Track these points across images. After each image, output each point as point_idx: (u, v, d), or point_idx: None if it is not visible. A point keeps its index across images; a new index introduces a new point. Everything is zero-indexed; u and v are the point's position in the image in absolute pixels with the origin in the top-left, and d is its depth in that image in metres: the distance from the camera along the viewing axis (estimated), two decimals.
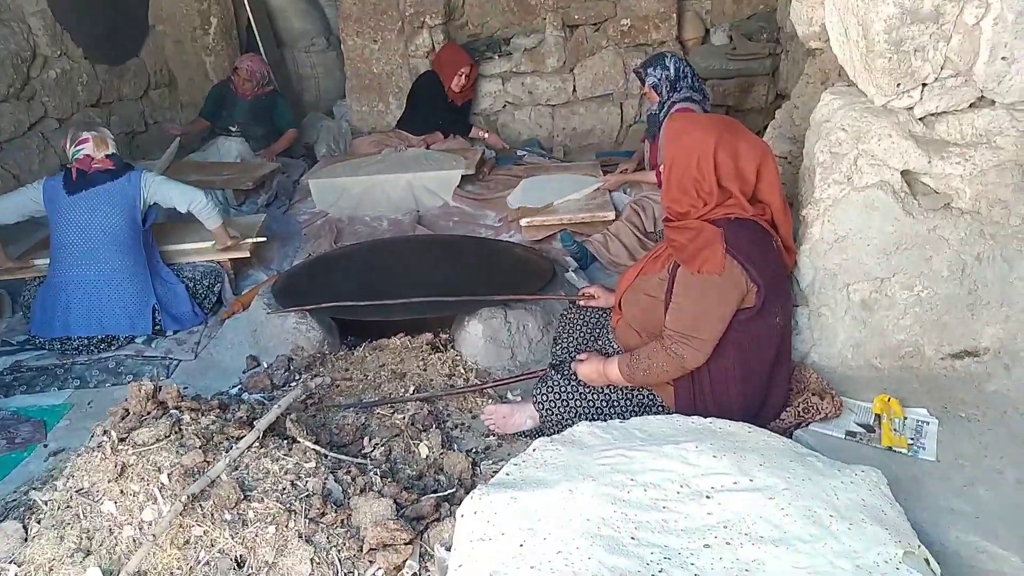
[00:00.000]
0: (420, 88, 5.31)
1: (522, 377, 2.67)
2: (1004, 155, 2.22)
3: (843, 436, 2.18)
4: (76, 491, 1.85)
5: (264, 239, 3.80)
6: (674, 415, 2.17)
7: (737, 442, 2.01)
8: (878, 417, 2.21)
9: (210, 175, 4.70)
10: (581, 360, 2.34)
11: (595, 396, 2.31)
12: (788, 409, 2.26)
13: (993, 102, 2.22)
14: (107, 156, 3.18)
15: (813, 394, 2.26)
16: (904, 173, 2.31)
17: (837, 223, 2.34)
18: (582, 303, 2.68)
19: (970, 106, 2.25)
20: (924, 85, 2.22)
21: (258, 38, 6.10)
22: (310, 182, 4.71)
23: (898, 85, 2.21)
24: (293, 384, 2.64)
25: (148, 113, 5.71)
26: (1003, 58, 2.11)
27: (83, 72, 4.90)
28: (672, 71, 3.87)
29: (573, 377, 2.34)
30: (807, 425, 2.23)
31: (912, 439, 2.16)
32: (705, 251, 2.09)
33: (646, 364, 2.17)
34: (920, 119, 2.29)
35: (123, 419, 2.00)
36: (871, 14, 2.15)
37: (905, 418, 2.22)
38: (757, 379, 2.22)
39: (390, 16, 5.61)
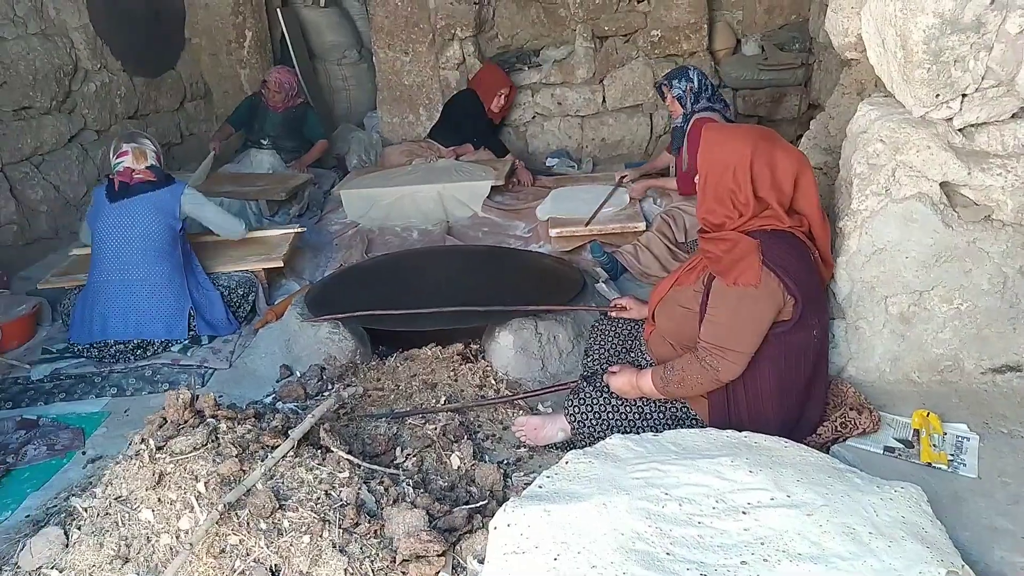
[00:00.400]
0: (459, 105, 5.34)
1: (553, 388, 2.66)
2: None
3: (881, 451, 2.15)
4: (115, 499, 1.88)
5: (303, 229, 3.94)
6: (708, 429, 2.15)
7: (773, 457, 1.98)
8: (917, 432, 2.17)
9: (243, 186, 4.77)
10: (614, 372, 2.32)
11: (628, 408, 2.29)
12: (825, 424, 2.23)
13: None
14: (147, 168, 3.26)
15: (851, 409, 2.22)
16: (943, 185, 2.27)
17: (875, 235, 2.31)
18: (613, 314, 2.67)
19: (1012, 116, 2.21)
20: (964, 96, 2.19)
21: (291, 51, 6.19)
22: (341, 193, 4.76)
23: (937, 96, 2.18)
24: (326, 393, 2.66)
25: (184, 125, 5.82)
26: None
27: (122, 85, 5.01)
28: (696, 83, 3.92)
29: (605, 389, 2.33)
30: (844, 440, 2.20)
31: (952, 455, 2.11)
32: (741, 263, 2.07)
33: (680, 376, 2.15)
34: (959, 130, 2.25)
35: (160, 427, 2.03)
36: (909, 24, 2.13)
37: (944, 433, 2.18)
38: (793, 393, 2.19)
39: (421, 29, 5.66)
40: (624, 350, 2.60)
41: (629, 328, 2.66)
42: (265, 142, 5.35)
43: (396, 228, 4.55)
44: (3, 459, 2.44)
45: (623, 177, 4.45)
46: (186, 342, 3.20)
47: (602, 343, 2.66)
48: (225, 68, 6.04)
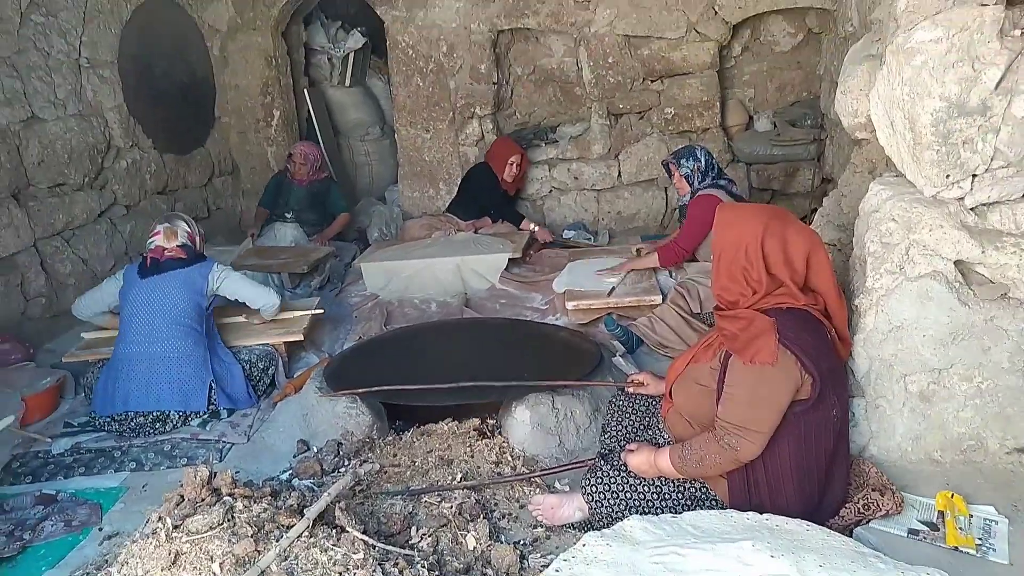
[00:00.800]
0: (475, 178, 5.47)
1: (570, 466, 2.64)
2: None
3: (905, 534, 2.10)
4: None
5: (322, 311, 3.97)
6: (728, 511, 2.12)
7: (795, 540, 1.95)
8: (941, 514, 2.13)
9: (266, 259, 4.87)
10: (631, 451, 2.31)
11: (646, 488, 2.26)
12: (848, 505, 2.19)
13: None
14: (179, 246, 3.38)
15: (873, 490, 2.19)
16: (958, 263, 2.28)
17: (891, 313, 2.32)
18: (631, 390, 2.67)
19: (1023, 196, 2.24)
20: (974, 176, 2.22)
21: (317, 128, 6.40)
22: (362, 266, 4.83)
23: (947, 176, 2.22)
24: (342, 470, 2.65)
25: (211, 200, 5.98)
26: None
27: (152, 161, 5.19)
28: (703, 162, 4.02)
29: (623, 468, 2.31)
30: (868, 522, 2.16)
31: (980, 539, 2.06)
32: (757, 341, 2.07)
33: (699, 455, 2.13)
34: (971, 209, 2.28)
35: (178, 505, 2.03)
36: (917, 108, 2.19)
37: (971, 516, 2.13)
38: (814, 473, 2.16)
39: (442, 108, 5.85)
40: (642, 427, 2.59)
41: (647, 405, 2.65)
42: (289, 216, 5.48)
43: (415, 300, 4.59)
44: (20, 536, 2.44)
45: (639, 249, 4.50)
46: (205, 416, 3.22)
47: (620, 420, 2.65)
48: (253, 145, 6.25)
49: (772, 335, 2.06)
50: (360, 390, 2.99)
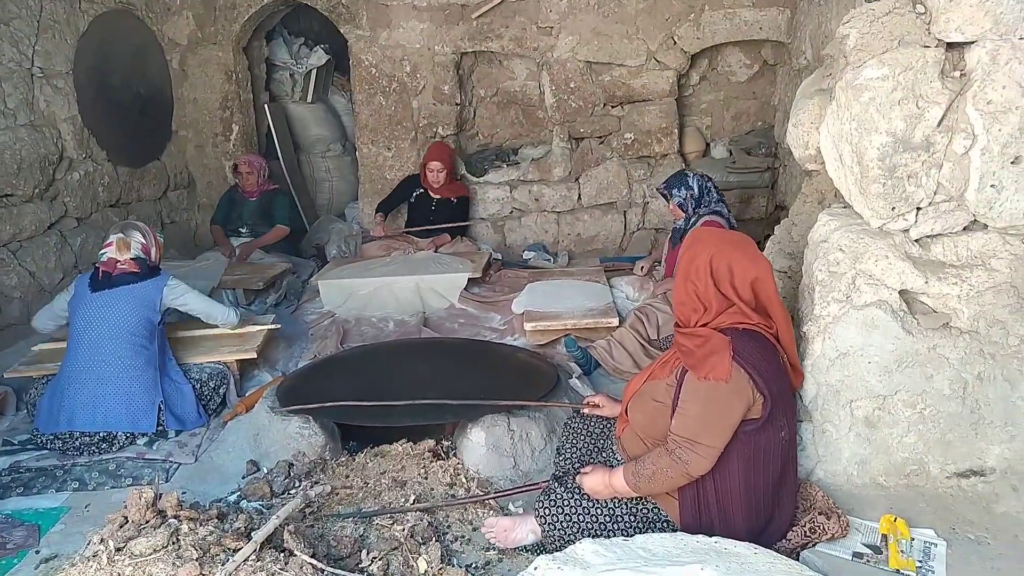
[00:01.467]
0: (402, 180, 5.68)
1: (524, 489, 2.64)
2: (999, 277, 2.27)
3: (850, 557, 2.14)
4: None
5: (278, 326, 3.92)
6: (679, 533, 2.14)
7: (743, 563, 1.98)
8: (885, 538, 2.18)
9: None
10: (586, 473, 2.32)
11: (598, 511, 2.28)
12: (795, 528, 2.23)
13: (986, 226, 2.29)
14: (132, 259, 3.29)
15: (820, 513, 2.23)
16: (902, 292, 2.35)
17: (838, 340, 2.38)
18: (587, 411, 2.68)
19: (964, 229, 2.33)
20: (919, 209, 2.30)
21: (277, 143, 6.34)
22: (319, 283, 4.78)
23: (893, 209, 2.29)
24: (292, 492, 2.61)
25: (166, 213, 5.88)
26: (992, 186, 2.21)
27: (105, 174, 5.08)
28: (696, 189, 4.02)
29: (577, 490, 2.32)
30: (814, 545, 2.19)
31: (920, 561, 2.12)
32: (712, 358, 2.12)
33: (651, 470, 2.16)
34: (916, 241, 2.36)
35: (121, 527, 1.98)
36: (864, 142, 2.26)
37: (912, 539, 2.18)
38: (762, 494, 2.20)
39: (404, 127, 5.86)
40: (596, 449, 2.61)
41: (601, 427, 2.67)
42: (244, 230, 5.41)
43: (372, 319, 4.56)
44: None
45: (643, 267, 4.54)
46: (152, 435, 3.14)
47: (574, 442, 2.66)
48: (210, 159, 6.16)
49: (727, 353, 2.10)
50: (313, 406, 2.96)
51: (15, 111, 4.31)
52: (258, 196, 5.48)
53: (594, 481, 2.27)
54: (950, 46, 2.20)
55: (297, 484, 2.66)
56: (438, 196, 5.46)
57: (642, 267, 4.53)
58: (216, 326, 3.62)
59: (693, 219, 4.02)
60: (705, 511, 2.20)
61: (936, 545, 2.19)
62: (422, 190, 5.50)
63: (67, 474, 2.91)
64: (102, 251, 3.33)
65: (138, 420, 3.11)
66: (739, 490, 2.18)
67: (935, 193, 2.26)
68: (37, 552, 2.44)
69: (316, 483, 2.62)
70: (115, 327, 3.17)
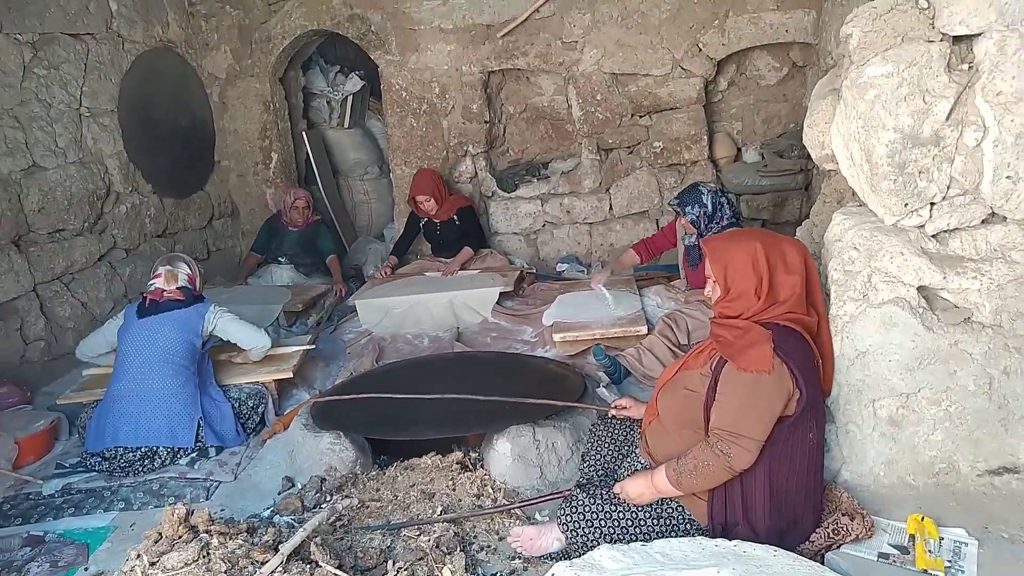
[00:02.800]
0: (408, 219, 5.72)
1: (549, 497, 2.66)
2: (1020, 269, 2.23)
3: (875, 558, 2.12)
4: None
5: (312, 346, 4.05)
6: (698, 538, 2.14)
7: (761, 566, 1.98)
8: (912, 537, 2.14)
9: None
10: (623, 484, 2.30)
11: (621, 516, 2.28)
12: (818, 531, 2.21)
13: (1004, 218, 2.25)
14: (178, 288, 3.49)
15: (843, 515, 2.21)
16: (921, 289, 2.32)
17: (856, 339, 2.35)
18: (613, 413, 2.71)
19: (982, 222, 2.29)
20: (932, 204, 2.28)
21: (315, 169, 6.53)
22: (356, 303, 4.90)
23: (905, 205, 2.27)
24: (323, 505, 2.68)
25: (211, 241, 6.09)
26: (1008, 177, 2.17)
27: (151, 206, 5.31)
28: (709, 206, 3.89)
29: (599, 496, 2.33)
30: (838, 547, 2.17)
31: (950, 561, 2.08)
32: (753, 349, 2.11)
33: (692, 464, 2.14)
34: (933, 236, 2.32)
35: (156, 543, 2.07)
36: (872, 139, 2.25)
37: (941, 539, 2.15)
38: (786, 493, 2.18)
39: (436, 147, 5.97)
40: (620, 455, 2.63)
41: (625, 433, 2.69)
42: (283, 260, 5.59)
43: (408, 335, 4.65)
44: None
45: (670, 278, 4.61)
46: (193, 454, 3.26)
47: (599, 448, 2.69)
48: (252, 187, 6.37)
49: (768, 344, 2.10)
50: (348, 396, 3.20)
51: (65, 150, 4.54)
52: (301, 228, 5.65)
53: (636, 484, 2.25)
54: (956, 39, 2.18)
55: (328, 498, 2.74)
56: (439, 220, 5.52)
57: (597, 280, 4.49)
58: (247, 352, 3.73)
59: (706, 235, 3.96)
60: (731, 510, 2.19)
61: (967, 544, 2.15)
62: (423, 221, 5.58)
63: (114, 495, 3.04)
64: (150, 282, 3.52)
65: (178, 435, 3.24)
66: (764, 488, 2.16)
67: (948, 187, 2.23)
68: (86, 569, 2.56)
69: (345, 496, 2.69)
70: (159, 350, 3.33)
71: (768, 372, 2.07)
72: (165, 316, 3.41)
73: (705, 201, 3.91)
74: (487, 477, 2.82)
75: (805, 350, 2.18)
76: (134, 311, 3.47)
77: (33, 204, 4.26)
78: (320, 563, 2.05)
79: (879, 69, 2.21)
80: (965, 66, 2.18)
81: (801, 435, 2.18)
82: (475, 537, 2.52)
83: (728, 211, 3.96)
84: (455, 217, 5.52)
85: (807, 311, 2.23)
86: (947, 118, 2.18)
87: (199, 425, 3.28)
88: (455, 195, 5.71)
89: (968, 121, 2.17)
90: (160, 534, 2.10)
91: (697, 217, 3.93)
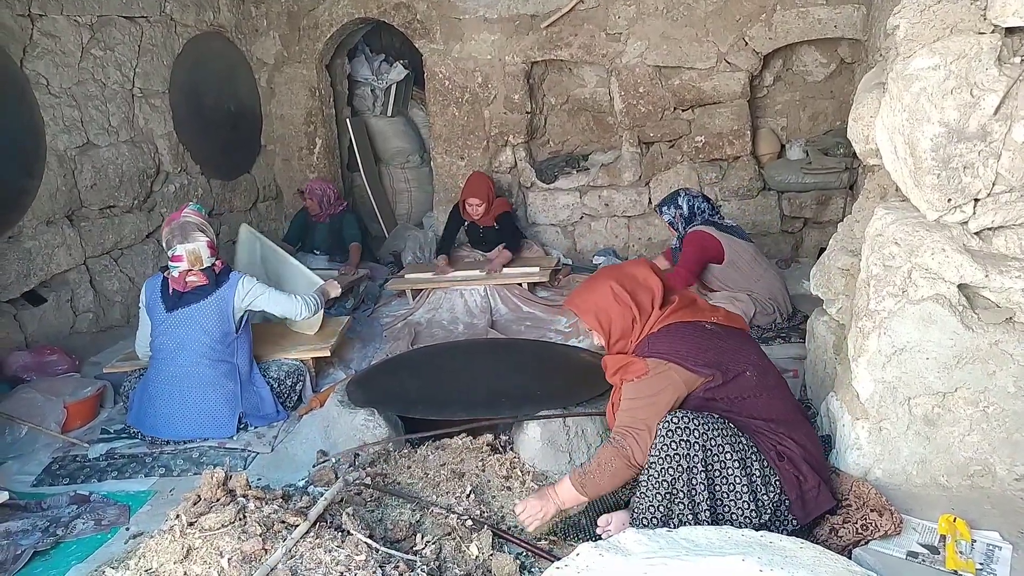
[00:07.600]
0: (450, 219, 5.70)
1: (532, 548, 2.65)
2: None
3: (904, 556, 2.10)
4: (145, 570, 1.98)
5: (349, 320, 4.21)
6: (724, 527, 2.15)
7: (787, 557, 1.97)
8: (943, 538, 2.12)
9: None
10: (518, 507, 2.40)
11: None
12: (846, 526, 2.20)
13: None
14: (201, 270, 3.30)
15: (872, 510, 2.19)
16: (962, 287, 2.29)
17: (894, 335, 2.33)
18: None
19: None
20: (977, 200, 2.24)
21: (358, 156, 6.62)
22: (393, 286, 4.98)
23: (949, 200, 2.23)
24: (357, 479, 2.74)
25: (255, 223, 6.19)
26: None
27: (199, 186, 5.44)
28: (685, 209, 4.27)
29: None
30: (866, 543, 2.16)
31: (981, 564, 2.05)
32: (630, 365, 2.33)
33: (595, 464, 2.29)
34: (976, 234, 2.29)
35: (195, 504, 2.15)
36: (916, 133, 2.22)
37: (973, 541, 2.11)
38: (771, 428, 2.24)
39: (477, 136, 6.01)
40: None
41: None
42: (317, 252, 5.72)
43: (443, 321, 4.72)
44: (54, 532, 2.59)
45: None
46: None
47: None
48: (296, 172, 6.49)
49: (642, 360, 2.30)
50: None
51: (118, 128, 4.68)
52: (328, 220, 5.75)
53: (532, 504, 2.35)
54: (1008, 31, 2.14)
55: (361, 473, 2.79)
56: (483, 225, 5.54)
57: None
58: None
59: (683, 237, 4.23)
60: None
61: (1000, 548, 2.11)
62: (467, 222, 5.57)
63: (155, 461, 3.15)
64: (173, 265, 3.27)
65: (220, 428, 3.30)
66: (746, 432, 2.22)
67: (993, 184, 2.19)
68: (127, 529, 2.66)
69: (368, 465, 2.75)
70: (192, 347, 3.27)
71: (646, 374, 2.27)
72: (194, 310, 3.27)
73: (681, 203, 4.30)
74: (516, 460, 2.84)
75: (688, 333, 2.30)
76: (158, 293, 3.31)
77: (87, 180, 4.40)
78: (351, 531, 2.10)
79: (926, 61, 2.18)
80: (1017, 59, 2.14)
81: (737, 382, 2.26)
82: (503, 517, 2.56)
83: (707, 216, 4.26)
84: (496, 224, 5.52)
85: (670, 294, 2.40)
86: (995, 112, 2.14)
87: (239, 417, 3.35)
88: (498, 198, 5.73)
89: (1018, 116, 2.12)
90: (199, 496, 2.17)
91: (673, 218, 4.33)
